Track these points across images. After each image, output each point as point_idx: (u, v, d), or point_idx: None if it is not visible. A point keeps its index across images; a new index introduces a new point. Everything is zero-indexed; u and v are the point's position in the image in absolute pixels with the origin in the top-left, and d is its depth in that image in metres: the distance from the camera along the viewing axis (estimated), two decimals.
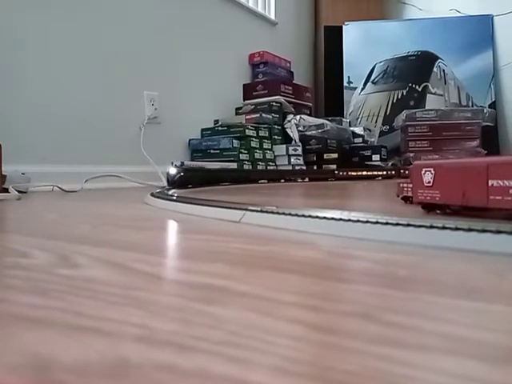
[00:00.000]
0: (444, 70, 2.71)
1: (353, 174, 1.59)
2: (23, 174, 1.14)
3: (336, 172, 1.58)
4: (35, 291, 0.20)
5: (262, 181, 1.37)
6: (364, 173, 1.64)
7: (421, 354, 0.12)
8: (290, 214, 0.39)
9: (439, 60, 2.71)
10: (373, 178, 1.64)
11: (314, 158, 2.13)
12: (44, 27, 1.38)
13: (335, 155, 2.11)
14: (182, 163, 1.62)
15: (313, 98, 2.54)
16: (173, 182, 1.10)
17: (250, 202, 0.55)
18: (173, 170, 1.12)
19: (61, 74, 1.43)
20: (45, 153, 1.36)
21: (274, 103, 2.09)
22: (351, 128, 2.42)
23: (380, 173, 1.67)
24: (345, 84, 2.79)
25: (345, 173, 1.57)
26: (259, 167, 1.88)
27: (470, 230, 0.28)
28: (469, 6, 2.75)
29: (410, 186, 0.48)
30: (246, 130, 1.86)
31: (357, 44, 2.78)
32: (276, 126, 2.07)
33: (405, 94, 2.70)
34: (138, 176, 1.35)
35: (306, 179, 1.53)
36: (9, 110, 1.29)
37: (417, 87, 2.69)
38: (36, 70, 1.36)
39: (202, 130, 1.96)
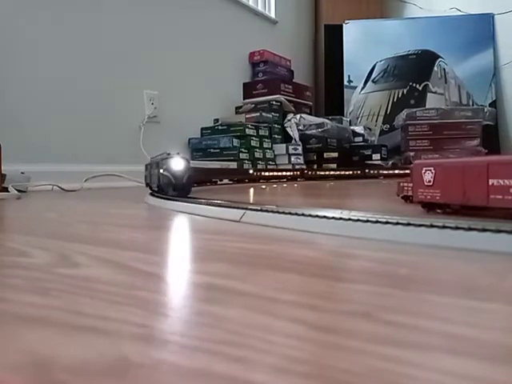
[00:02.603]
0: (444, 69, 2.70)
1: (266, 174, 1.66)
2: (23, 173, 1.14)
3: (250, 172, 1.61)
4: (35, 290, 0.20)
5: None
6: (275, 173, 1.71)
7: (421, 352, 0.12)
8: (289, 213, 0.39)
9: (440, 59, 2.70)
10: (285, 178, 1.68)
11: (315, 157, 2.13)
12: (44, 27, 1.38)
13: (335, 154, 2.11)
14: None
15: (313, 97, 2.54)
16: (181, 187, 0.65)
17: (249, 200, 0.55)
18: (178, 164, 0.65)
19: (61, 73, 1.43)
20: (44, 152, 1.36)
21: (274, 102, 2.09)
22: (351, 127, 2.42)
23: (289, 173, 1.74)
24: (345, 83, 2.79)
25: (258, 173, 1.62)
26: (259, 166, 1.88)
27: (470, 229, 0.28)
28: (469, 4, 2.75)
29: (411, 185, 0.48)
30: (246, 129, 1.86)
31: (357, 43, 2.78)
32: (276, 125, 2.07)
33: (405, 92, 2.70)
34: (138, 175, 1.34)
35: (225, 180, 1.52)
36: (9, 109, 1.29)
37: (417, 86, 2.69)
38: (36, 70, 1.36)
39: (202, 129, 1.96)
